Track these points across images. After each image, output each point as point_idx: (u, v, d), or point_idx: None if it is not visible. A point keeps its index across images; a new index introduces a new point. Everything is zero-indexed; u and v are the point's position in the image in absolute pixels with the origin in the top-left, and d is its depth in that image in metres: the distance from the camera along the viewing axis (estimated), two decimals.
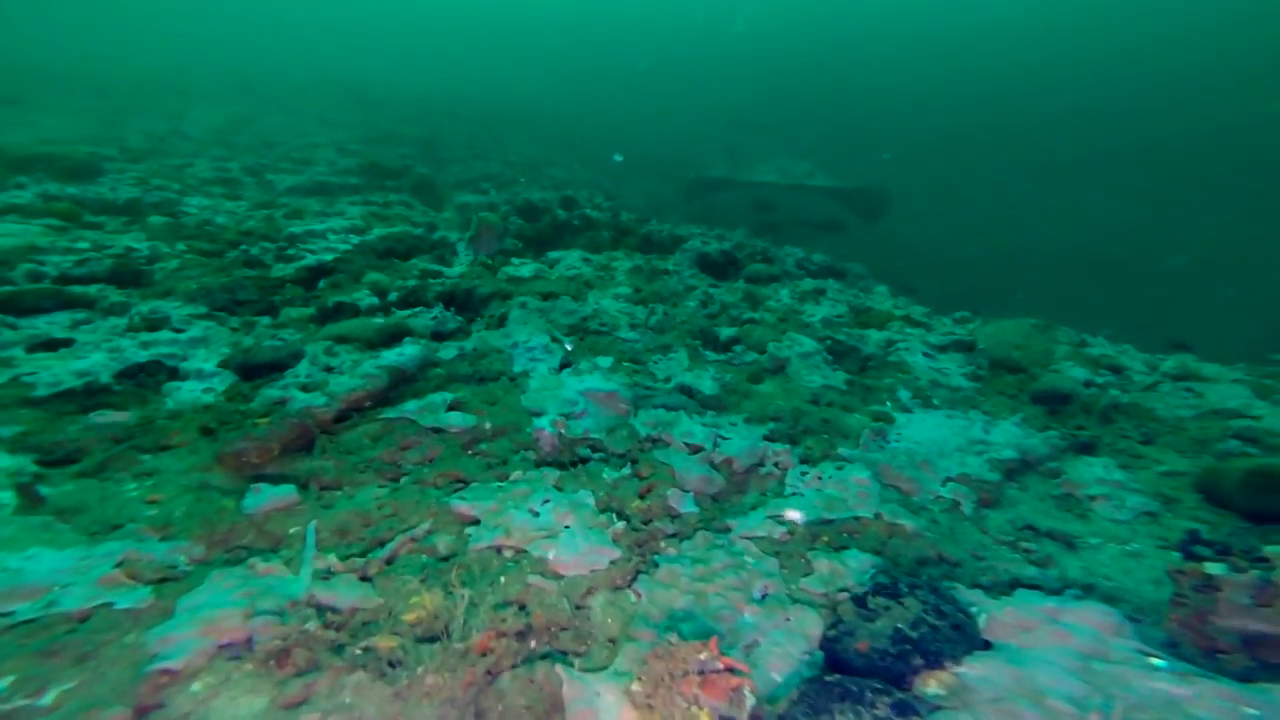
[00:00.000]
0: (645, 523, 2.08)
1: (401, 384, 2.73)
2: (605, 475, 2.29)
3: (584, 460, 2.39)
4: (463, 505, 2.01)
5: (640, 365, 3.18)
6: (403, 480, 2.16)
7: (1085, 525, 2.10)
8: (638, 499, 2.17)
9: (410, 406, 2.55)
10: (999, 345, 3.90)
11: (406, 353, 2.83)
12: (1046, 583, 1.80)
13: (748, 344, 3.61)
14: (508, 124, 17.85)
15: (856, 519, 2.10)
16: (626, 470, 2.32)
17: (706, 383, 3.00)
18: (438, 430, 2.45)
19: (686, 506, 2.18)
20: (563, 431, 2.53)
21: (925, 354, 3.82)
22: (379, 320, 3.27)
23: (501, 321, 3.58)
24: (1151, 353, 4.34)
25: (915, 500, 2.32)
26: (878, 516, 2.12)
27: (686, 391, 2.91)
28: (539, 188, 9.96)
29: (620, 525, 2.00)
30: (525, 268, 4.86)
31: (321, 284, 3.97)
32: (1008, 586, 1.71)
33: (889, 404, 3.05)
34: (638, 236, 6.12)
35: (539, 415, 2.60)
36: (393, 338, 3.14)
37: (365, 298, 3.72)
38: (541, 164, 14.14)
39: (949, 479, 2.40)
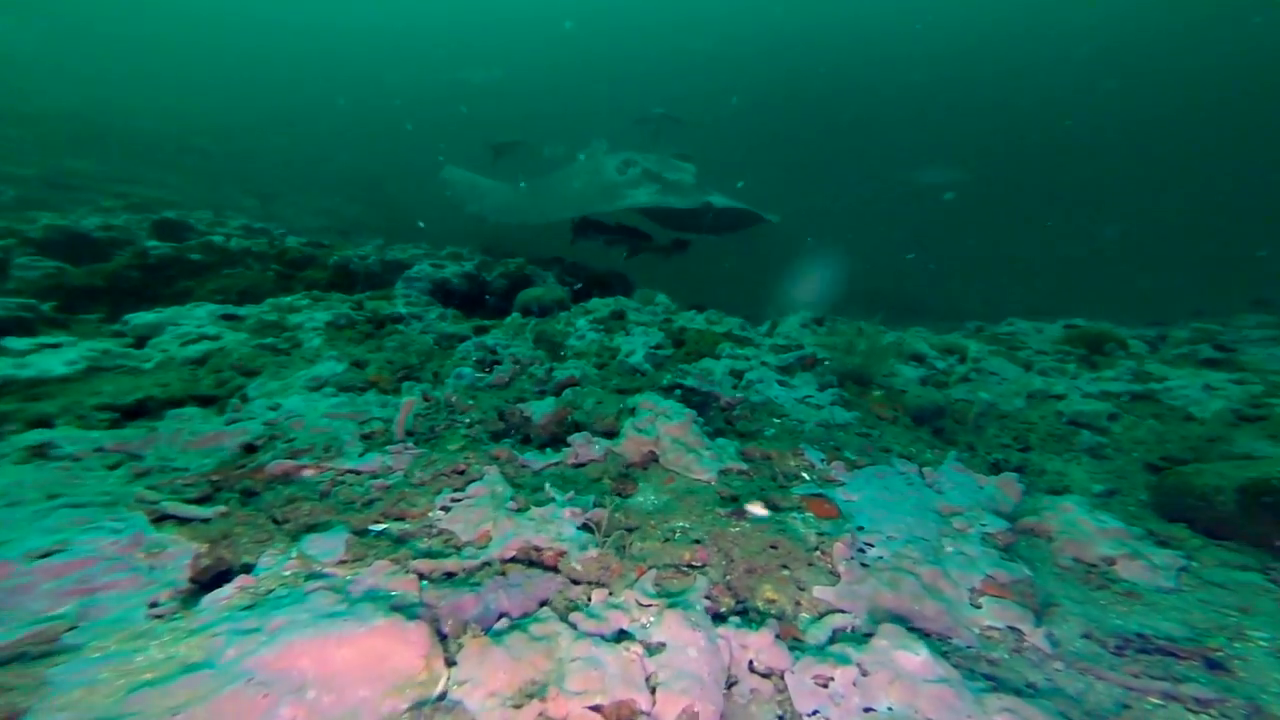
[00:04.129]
0: None
1: None
2: None
3: None
4: None
5: (413, 522, 1.66)
6: None
7: (1158, 615, 1.70)
8: None
9: None
10: (833, 355, 3.75)
11: None
12: None
13: (585, 423, 2.42)
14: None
15: None
16: None
17: (564, 528, 1.70)
18: None
19: None
20: None
21: (780, 382, 3.34)
22: None
23: None
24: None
25: (967, 649, 1.57)
26: None
27: (538, 560, 1.56)
28: (96, 209, 6.60)
29: None
30: (56, 356, 2.50)
31: None
32: None
33: (807, 477, 2.34)
34: (326, 269, 4.13)
35: None
36: None
37: None
38: (107, 179, 9.90)
39: (974, 590, 1.75)
